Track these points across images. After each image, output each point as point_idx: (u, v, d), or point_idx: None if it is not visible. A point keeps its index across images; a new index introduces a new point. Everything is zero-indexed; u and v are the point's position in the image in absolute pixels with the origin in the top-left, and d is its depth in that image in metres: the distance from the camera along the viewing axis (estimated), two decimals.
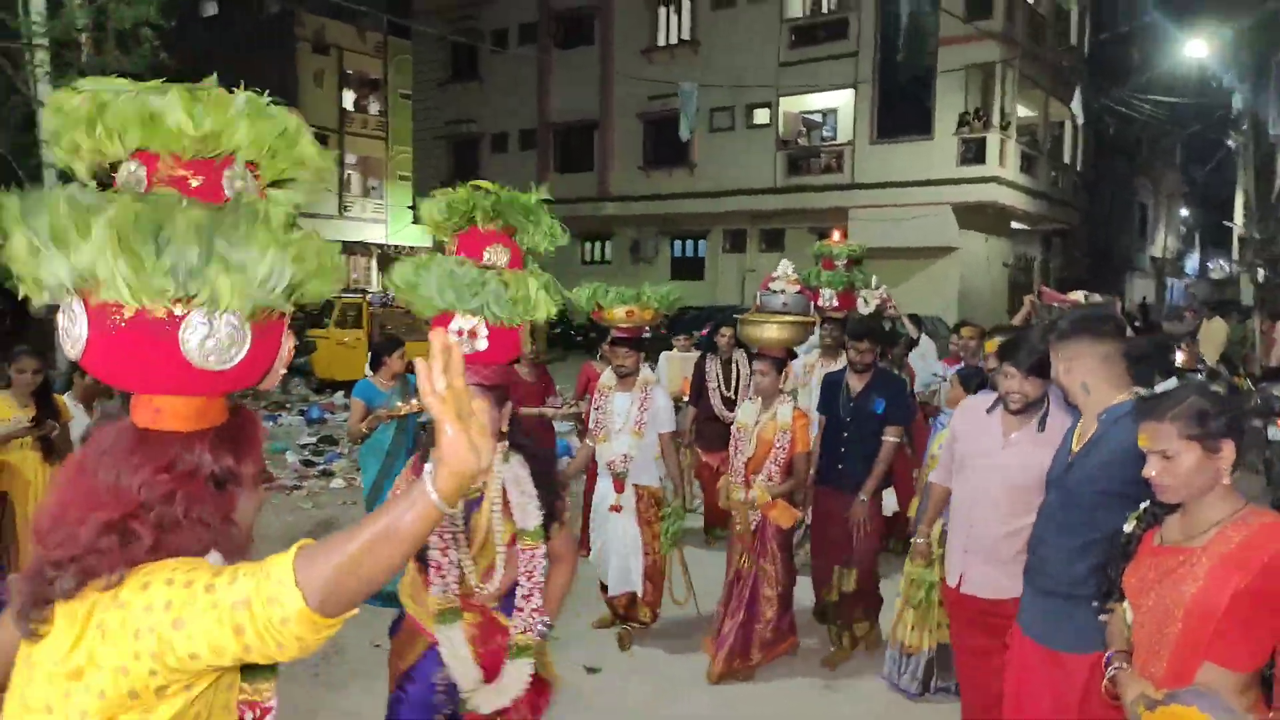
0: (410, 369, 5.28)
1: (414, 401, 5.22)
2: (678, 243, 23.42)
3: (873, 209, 19.13)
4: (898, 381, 4.74)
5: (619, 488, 4.63)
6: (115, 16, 11.43)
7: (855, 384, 4.55)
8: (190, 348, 1.18)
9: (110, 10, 11.40)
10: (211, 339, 1.19)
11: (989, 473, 3.14)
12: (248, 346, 1.23)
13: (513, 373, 6.21)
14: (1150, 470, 1.99)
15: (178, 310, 1.17)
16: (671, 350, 7.08)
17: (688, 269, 22.92)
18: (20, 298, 1.21)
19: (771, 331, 4.44)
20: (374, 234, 31.38)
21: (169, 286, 1.14)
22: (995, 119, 18.48)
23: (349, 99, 31.77)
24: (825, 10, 20.86)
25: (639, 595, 4.69)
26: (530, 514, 2.50)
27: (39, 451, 4.70)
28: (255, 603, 1.07)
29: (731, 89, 20.84)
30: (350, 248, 29.53)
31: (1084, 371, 2.48)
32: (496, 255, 2.56)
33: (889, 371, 4.76)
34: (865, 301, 6.59)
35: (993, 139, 18.31)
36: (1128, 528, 2.17)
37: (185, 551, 1.21)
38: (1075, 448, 2.52)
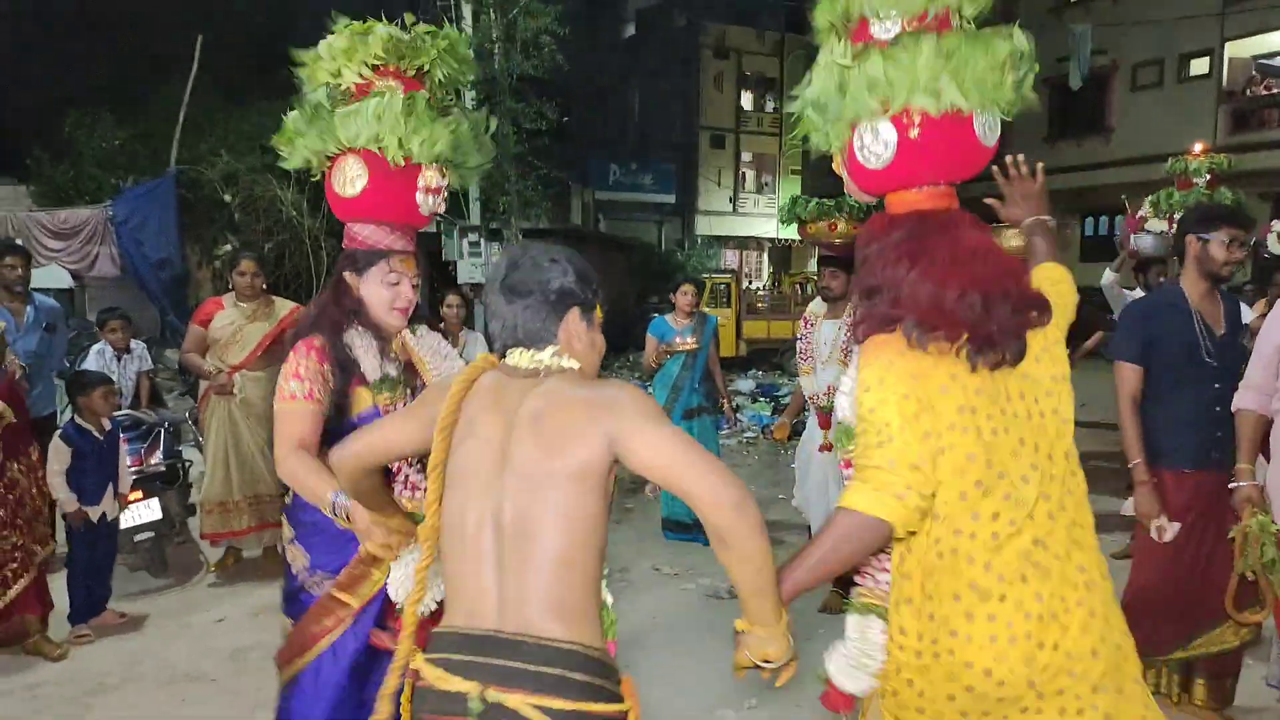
0: (697, 304, 5.28)
1: (691, 340, 5.15)
2: (1089, 220, 20.74)
3: None
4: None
5: (824, 424, 4.04)
6: (521, 27, 13.00)
7: (1210, 310, 3.09)
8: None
9: (517, 22, 12.97)
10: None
11: None
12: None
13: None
14: None
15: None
16: None
17: (1102, 250, 20.16)
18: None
19: (1004, 241, 3.70)
20: (765, 228, 32.08)
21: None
22: None
23: (747, 99, 32.82)
24: None
25: None
26: None
27: None
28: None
29: (1160, 40, 17.95)
30: (743, 242, 30.52)
31: None
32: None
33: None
34: (1279, 237, 5.28)
35: None
36: None
37: None
38: None
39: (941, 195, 1.72)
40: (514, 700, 1.37)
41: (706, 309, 15.14)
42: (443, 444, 1.54)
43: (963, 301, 1.58)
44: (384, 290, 2.24)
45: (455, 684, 1.41)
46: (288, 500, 2.36)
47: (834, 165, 1.83)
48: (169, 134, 12.72)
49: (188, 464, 5.20)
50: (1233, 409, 2.90)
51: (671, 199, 28.35)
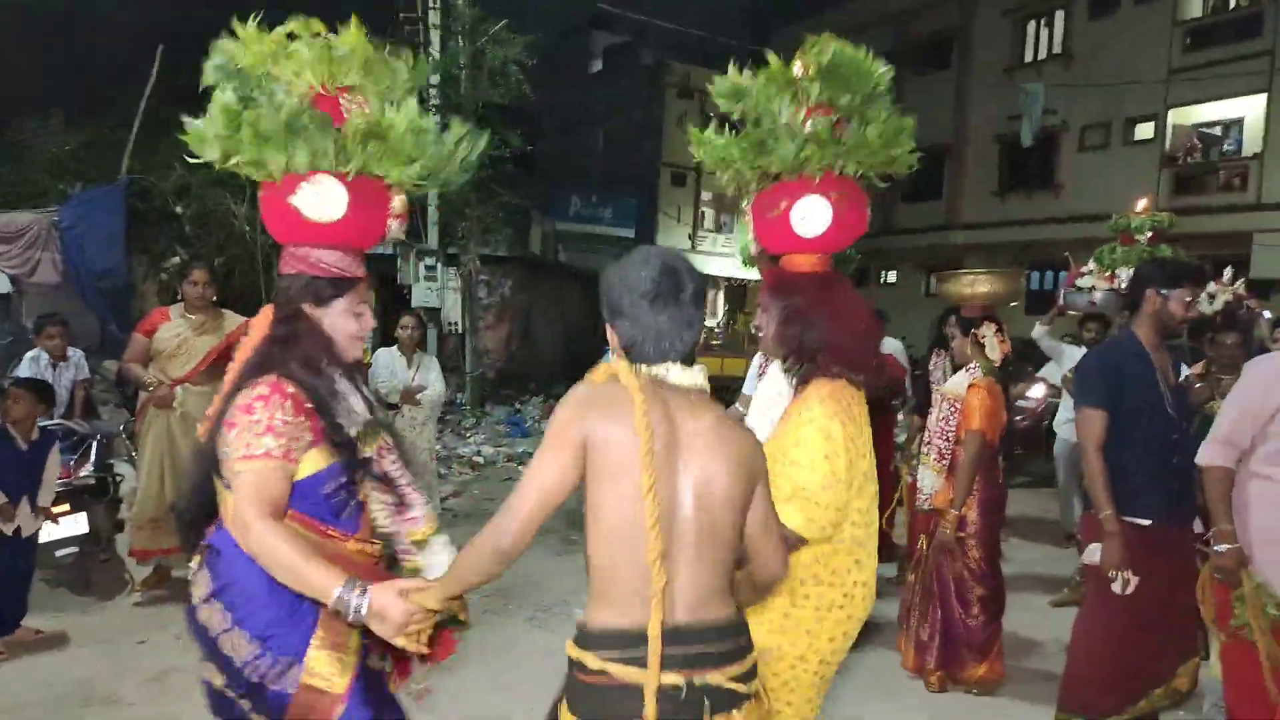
0: None
1: None
2: (1035, 274, 21.27)
3: None
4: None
5: None
6: (489, 55, 13.04)
7: (1162, 363, 3.06)
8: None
9: (486, 50, 13.01)
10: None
11: None
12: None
13: None
14: None
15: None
16: None
17: (1047, 303, 20.66)
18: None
19: (966, 286, 3.97)
20: (722, 267, 32.42)
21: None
22: None
23: None
24: (1231, 6, 17.91)
25: None
26: None
27: None
28: None
29: (1108, 103, 18.64)
30: None
31: None
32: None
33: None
34: (1210, 298, 5.47)
35: None
36: None
37: None
38: None
39: (826, 260, 2.29)
40: (715, 678, 1.59)
41: None
42: (649, 463, 1.56)
43: (870, 351, 2.23)
44: (350, 322, 2.01)
45: (664, 678, 1.56)
46: (213, 583, 1.91)
47: (747, 223, 2.37)
48: (121, 142, 12.45)
49: (118, 478, 5.02)
50: (1200, 463, 2.80)
51: (631, 233, 28.47)
